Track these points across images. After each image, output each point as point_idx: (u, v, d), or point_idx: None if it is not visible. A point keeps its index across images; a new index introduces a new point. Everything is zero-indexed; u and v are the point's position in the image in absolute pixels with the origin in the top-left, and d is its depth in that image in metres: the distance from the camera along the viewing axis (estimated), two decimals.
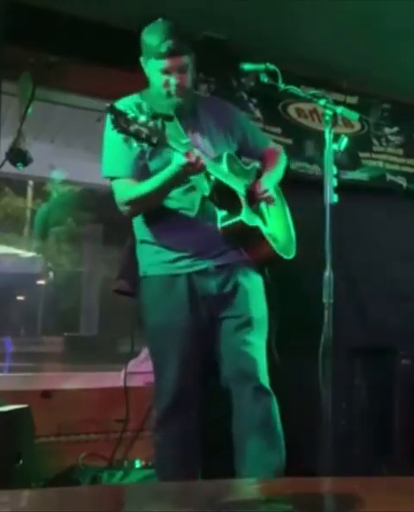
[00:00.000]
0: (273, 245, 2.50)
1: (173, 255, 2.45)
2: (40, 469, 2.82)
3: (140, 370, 3.57)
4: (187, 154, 2.18)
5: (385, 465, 3.22)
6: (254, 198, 2.47)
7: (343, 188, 2.52)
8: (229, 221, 2.39)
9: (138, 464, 3.15)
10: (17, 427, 2.68)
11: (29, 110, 3.21)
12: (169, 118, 2.26)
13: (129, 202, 2.41)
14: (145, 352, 3.66)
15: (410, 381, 3.37)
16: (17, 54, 3.12)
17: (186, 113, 2.45)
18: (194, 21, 3.33)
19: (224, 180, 2.35)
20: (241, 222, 2.38)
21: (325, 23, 3.39)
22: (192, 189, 2.41)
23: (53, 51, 3.29)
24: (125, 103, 2.40)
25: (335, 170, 2.37)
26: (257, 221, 2.46)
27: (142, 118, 2.08)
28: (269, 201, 2.52)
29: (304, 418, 2.89)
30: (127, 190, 2.41)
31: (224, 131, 2.53)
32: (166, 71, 2.36)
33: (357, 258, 3.71)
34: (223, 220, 2.40)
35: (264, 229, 2.48)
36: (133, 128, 2.06)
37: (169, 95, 2.39)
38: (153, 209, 2.45)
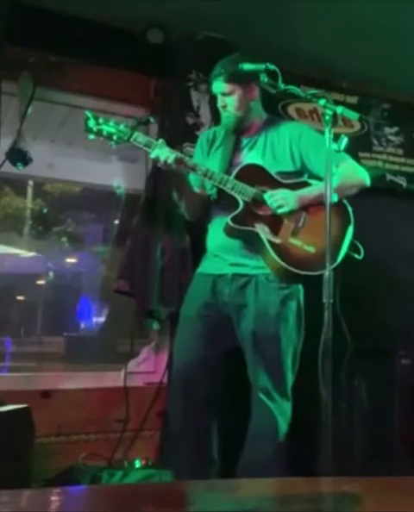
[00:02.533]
0: (274, 253, 2.59)
1: (210, 257, 2.78)
2: (40, 469, 2.81)
3: (140, 370, 3.58)
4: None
5: (385, 465, 3.22)
6: (260, 206, 2.63)
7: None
8: (224, 225, 2.63)
9: (138, 464, 3.14)
10: (17, 427, 2.68)
11: (29, 110, 3.21)
12: (144, 122, 2.70)
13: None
14: (145, 352, 3.67)
15: (410, 381, 3.37)
16: (17, 54, 3.12)
17: (242, 130, 2.79)
18: (194, 21, 3.34)
19: (223, 187, 2.61)
20: (228, 226, 2.61)
21: (325, 23, 3.39)
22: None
23: (53, 51, 3.29)
24: (209, 130, 3.07)
25: (335, 170, 2.37)
26: (256, 227, 2.61)
27: (112, 122, 2.54)
28: (273, 209, 2.63)
29: (304, 418, 2.89)
30: None
31: (289, 148, 2.76)
32: (215, 94, 2.75)
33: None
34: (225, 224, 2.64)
35: (267, 236, 2.60)
36: (97, 127, 2.53)
37: (222, 115, 2.77)
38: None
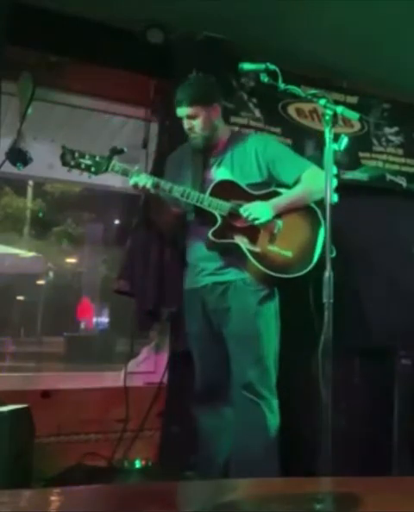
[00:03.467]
0: (255, 261, 2.76)
1: (191, 269, 2.96)
2: (40, 469, 2.82)
3: (140, 370, 3.58)
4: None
5: (385, 466, 3.22)
6: (237, 219, 2.78)
7: (343, 188, 2.52)
8: (206, 240, 2.79)
9: (138, 464, 3.15)
10: (17, 427, 2.68)
11: (29, 110, 3.20)
12: (119, 152, 2.73)
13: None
14: (145, 352, 3.67)
15: (410, 381, 3.37)
16: (17, 54, 3.11)
17: (209, 148, 2.93)
18: (194, 21, 3.34)
19: (198, 203, 2.76)
20: (209, 240, 2.77)
21: (325, 23, 3.39)
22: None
23: (53, 51, 3.29)
24: (177, 151, 3.11)
25: (335, 170, 2.37)
26: (236, 239, 2.78)
27: (88, 155, 2.70)
28: (250, 220, 2.76)
29: (304, 418, 2.89)
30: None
31: (255, 160, 2.92)
32: (181, 118, 2.87)
33: (357, 258, 3.70)
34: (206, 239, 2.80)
35: (247, 246, 2.77)
36: (74, 161, 2.68)
37: (188, 136, 2.91)
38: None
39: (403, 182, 4.17)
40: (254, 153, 2.93)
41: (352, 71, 3.84)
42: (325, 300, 2.25)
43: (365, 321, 3.70)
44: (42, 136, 3.52)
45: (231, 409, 2.83)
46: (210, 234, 2.76)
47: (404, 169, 4.20)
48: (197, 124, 2.86)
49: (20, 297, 12.47)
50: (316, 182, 2.80)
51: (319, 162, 2.59)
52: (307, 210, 2.91)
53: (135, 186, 2.72)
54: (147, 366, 3.61)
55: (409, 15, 3.28)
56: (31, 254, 10.06)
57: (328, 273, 2.27)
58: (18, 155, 3.18)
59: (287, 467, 2.74)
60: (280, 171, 2.93)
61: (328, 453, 2.16)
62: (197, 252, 2.90)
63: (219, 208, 2.77)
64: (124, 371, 3.40)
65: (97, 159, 2.69)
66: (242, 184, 2.87)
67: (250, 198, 2.83)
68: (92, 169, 2.69)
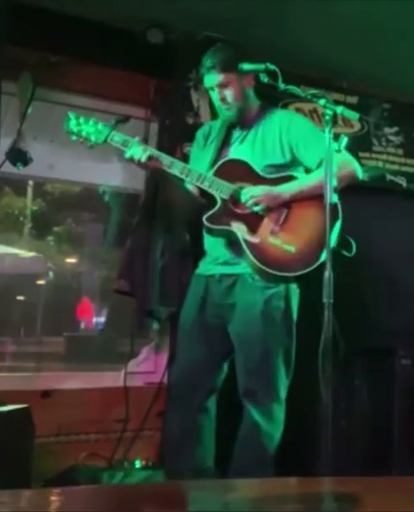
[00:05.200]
0: (251, 253, 2.50)
1: (205, 256, 2.74)
2: (40, 469, 2.81)
3: (140, 370, 3.58)
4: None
5: (385, 465, 3.22)
6: (239, 204, 2.55)
7: (343, 188, 2.52)
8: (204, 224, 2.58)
9: (138, 464, 3.15)
10: (17, 427, 2.68)
11: (29, 110, 3.20)
12: (123, 121, 2.61)
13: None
14: (145, 352, 3.67)
15: (410, 381, 3.37)
16: (17, 54, 3.11)
17: (241, 126, 2.70)
18: (194, 21, 3.34)
19: (199, 182, 2.55)
20: (205, 225, 2.57)
21: (325, 23, 3.39)
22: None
23: (53, 51, 3.29)
24: (205, 125, 2.94)
25: (335, 170, 2.37)
26: (233, 226, 2.53)
27: (91, 121, 2.54)
28: (251, 207, 2.53)
29: (304, 418, 2.89)
30: None
31: (278, 139, 2.65)
32: (211, 88, 2.63)
33: (357, 258, 3.70)
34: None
35: (244, 236, 2.52)
36: (78, 127, 2.54)
37: (219, 109, 2.68)
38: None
39: (403, 182, 4.17)
40: (278, 131, 2.65)
41: (352, 71, 3.84)
42: (325, 300, 2.25)
43: (365, 321, 3.70)
44: (42, 136, 3.52)
45: (208, 416, 2.63)
46: (204, 219, 2.54)
47: (404, 169, 4.20)
48: (230, 94, 2.60)
49: (20, 297, 12.45)
50: (339, 168, 2.48)
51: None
52: (323, 201, 2.50)
53: (131, 159, 2.51)
54: (147, 366, 3.61)
55: (409, 15, 3.27)
56: (31, 254, 10.06)
57: (328, 273, 2.27)
58: (18, 155, 3.18)
59: (287, 468, 2.73)
60: (304, 153, 2.63)
61: (328, 453, 2.16)
62: (208, 238, 2.69)
63: (221, 189, 2.54)
64: (124, 371, 3.40)
65: (100, 126, 2.53)
66: (261, 164, 2.60)
67: (259, 182, 2.57)
68: (92, 137, 2.53)
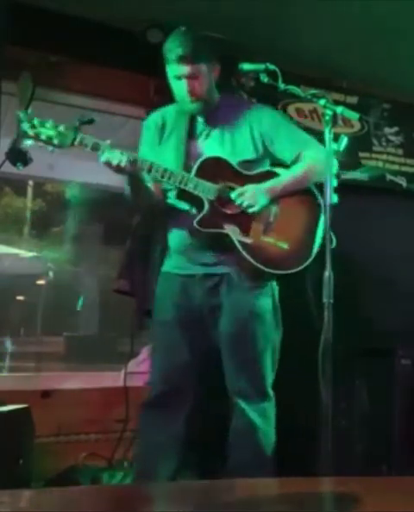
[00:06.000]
0: (247, 254, 2.42)
1: (175, 255, 2.57)
2: (40, 469, 2.81)
3: (140, 370, 3.57)
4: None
5: (385, 465, 3.22)
6: (226, 204, 2.43)
7: (343, 188, 2.52)
8: (192, 227, 2.42)
9: None
10: (17, 427, 2.68)
11: (29, 110, 3.20)
12: (88, 122, 2.33)
13: (126, 197, 2.55)
14: (145, 352, 3.66)
15: (410, 381, 3.36)
16: (17, 54, 3.12)
17: (205, 119, 2.54)
18: (194, 21, 3.34)
19: (182, 185, 2.39)
20: (196, 229, 2.41)
21: (325, 23, 3.39)
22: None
23: (53, 51, 3.29)
24: (156, 112, 2.67)
25: (335, 170, 2.36)
26: (225, 229, 2.41)
27: (49, 123, 2.30)
28: (244, 208, 2.43)
29: (304, 418, 2.89)
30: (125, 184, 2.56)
31: (251, 134, 2.54)
32: (179, 77, 2.44)
33: (357, 258, 3.70)
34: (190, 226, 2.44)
35: (238, 237, 2.43)
36: (33, 131, 2.30)
37: (184, 101, 2.49)
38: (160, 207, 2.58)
39: (403, 182, 4.18)
40: (248, 124, 2.54)
41: (352, 71, 3.84)
42: (325, 300, 2.25)
43: (365, 321, 3.70)
44: None
45: (183, 418, 2.50)
46: (196, 223, 2.39)
47: (404, 169, 4.20)
48: (200, 86, 2.44)
49: (20, 297, 12.44)
50: (319, 161, 2.47)
51: None
52: (306, 194, 2.55)
53: (108, 164, 2.31)
54: (147, 366, 3.60)
55: (409, 14, 3.27)
56: (31, 254, 10.06)
57: (328, 273, 2.27)
58: (18, 155, 3.18)
59: (287, 468, 2.73)
60: (277, 146, 2.55)
61: (328, 453, 2.16)
62: (183, 238, 2.51)
63: (206, 191, 2.40)
64: (124, 371, 3.39)
65: (61, 128, 2.28)
66: (234, 160, 2.48)
67: (242, 180, 2.47)
68: (55, 141, 2.28)
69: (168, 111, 2.63)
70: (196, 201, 2.43)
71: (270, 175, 2.54)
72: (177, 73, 2.43)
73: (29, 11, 3.15)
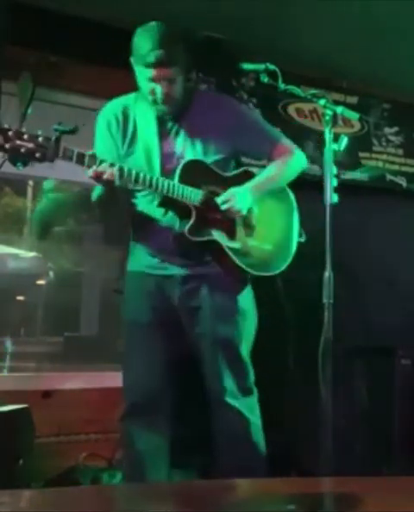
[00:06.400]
0: (238, 260, 2.39)
1: (148, 256, 2.46)
2: (40, 469, 2.81)
3: None
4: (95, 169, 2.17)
5: (385, 465, 3.22)
6: (212, 209, 2.36)
7: (343, 188, 2.52)
8: (177, 232, 2.35)
9: None
10: (17, 427, 2.68)
11: (29, 110, 3.20)
12: (72, 132, 2.14)
13: (93, 203, 2.48)
14: None
15: (410, 381, 3.37)
16: (17, 54, 3.12)
17: (173, 117, 2.43)
18: (194, 21, 3.34)
19: (168, 193, 2.28)
20: (183, 235, 2.31)
21: (325, 23, 3.39)
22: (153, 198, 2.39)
23: (53, 51, 3.29)
24: (114, 105, 2.52)
25: (335, 170, 2.37)
26: (214, 235, 2.36)
27: (26, 134, 2.08)
28: (232, 213, 2.38)
29: (304, 418, 2.89)
30: (94, 190, 2.45)
31: (221, 132, 2.45)
32: (153, 80, 2.32)
33: (357, 258, 3.70)
34: (176, 231, 2.37)
35: (227, 243, 2.39)
36: (10, 144, 2.06)
37: (155, 102, 2.38)
38: (130, 211, 2.47)
39: (403, 182, 4.18)
40: (213, 121, 2.44)
41: (352, 71, 3.84)
42: (325, 300, 2.25)
43: (365, 321, 3.71)
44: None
45: (169, 426, 2.47)
46: (187, 232, 2.30)
47: (404, 169, 4.21)
48: (175, 89, 2.33)
49: (20, 297, 12.43)
50: (292, 159, 2.51)
51: (319, 162, 2.58)
52: (280, 193, 2.56)
53: (98, 178, 2.16)
54: None
55: (409, 15, 3.28)
56: (31, 254, 10.04)
57: (328, 273, 2.27)
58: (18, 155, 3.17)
59: (286, 468, 2.73)
60: (247, 144, 2.50)
61: (328, 453, 2.16)
62: (161, 242, 2.40)
63: (191, 197, 2.31)
64: None
65: (41, 140, 2.09)
66: (208, 160, 2.40)
67: (222, 182, 2.40)
68: (37, 154, 2.09)
69: (129, 104, 2.49)
70: (180, 207, 2.34)
71: (248, 175, 2.51)
72: (150, 76, 2.30)
73: (29, 11, 3.15)
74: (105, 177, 2.16)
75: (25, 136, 2.08)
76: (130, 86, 3.61)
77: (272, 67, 2.46)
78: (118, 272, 3.43)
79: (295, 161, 2.56)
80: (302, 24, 3.39)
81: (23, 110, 3.19)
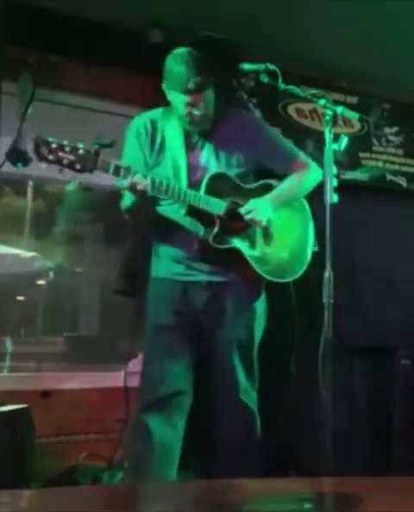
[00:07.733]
0: (257, 267, 2.57)
1: (174, 262, 2.62)
2: (40, 469, 2.82)
3: (140, 370, 3.57)
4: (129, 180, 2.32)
5: (385, 465, 3.22)
6: (235, 219, 2.53)
7: (343, 188, 2.52)
8: (202, 240, 2.52)
9: None
10: (17, 427, 2.68)
11: (29, 110, 3.20)
12: (108, 145, 2.29)
13: (123, 211, 2.61)
14: None
15: (410, 381, 3.37)
16: (17, 54, 3.12)
17: (200, 131, 2.60)
18: (194, 21, 3.34)
19: (195, 203, 2.45)
20: (207, 243, 2.49)
21: (325, 23, 3.39)
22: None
23: (53, 51, 3.29)
24: (142, 118, 2.67)
25: (335, 170, 2.37)
26: (236, 243, 2.54)
27: (68, 147, 2.22)
28: (254, 223, 2.55)
29: (304, 418, 2.89)
30: (124, 199, 2.59)
31: (243, 146, 2.62)
32: (190, 105, 2.50)
33: (357, 258, 3.70)
34: (200, 239, 2.54)
35: (248, 251, 2.56)
36: (53, 156, 2.20)
37: (191, 123, 2.56)
38: (155, 218, 2.62)
39: (403, 182, 4.18)
40: (235, 136, 2.62)
41: (352, 71, 3.84)
42: (325, 300, 2.25)
43: (365, 321, 3.70)
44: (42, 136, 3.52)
45: (182, 421, 2.57)
46: (211, 241, 2.48)
47: (404, 169, 4.20)
48: (202, 109, 2.51)
49: (20, 297, 12.44)
50: (308, 172, 2.68)
51: (319, 162, 2.58)
52: (297, 204, 2.75)
53: (133, 188, 2.32)
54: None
55: (409, 15, 3.28)
56: (31, 254, 10.04)
57: (328, 273, 2.27)
58: (18, 155, 3.18)
59: (286, 468, 2.73)
60: (267, 158, 2.67)
61: (328, 453, 2.16)
62: (185, 248, 2.57)
63: (216, 207, 2.49)
64: (124, 371, 3.40)
65: (81, 152, 2.22)
66: (231, 174, 2.59)
67: (244, 193, 2.58)
68: (77, 166, 2.22)
69: (157, 117, 2.65)
70: (205, 217, 2.50)
71: (267, 187, 2.67)
72: (188, 101, 2.48)
73: (29, 11, 3.15)
74: (139, 187, 2.32)
75: (67, 148, 2.22)
76: (130, 86, 3.62)
77: (272, 67, 2.47)
78: (118, 272, 3.44)
79: (311, 175, 2.71)
80: (302, 24, 3.39)
81: (23, 110, 3.19)
